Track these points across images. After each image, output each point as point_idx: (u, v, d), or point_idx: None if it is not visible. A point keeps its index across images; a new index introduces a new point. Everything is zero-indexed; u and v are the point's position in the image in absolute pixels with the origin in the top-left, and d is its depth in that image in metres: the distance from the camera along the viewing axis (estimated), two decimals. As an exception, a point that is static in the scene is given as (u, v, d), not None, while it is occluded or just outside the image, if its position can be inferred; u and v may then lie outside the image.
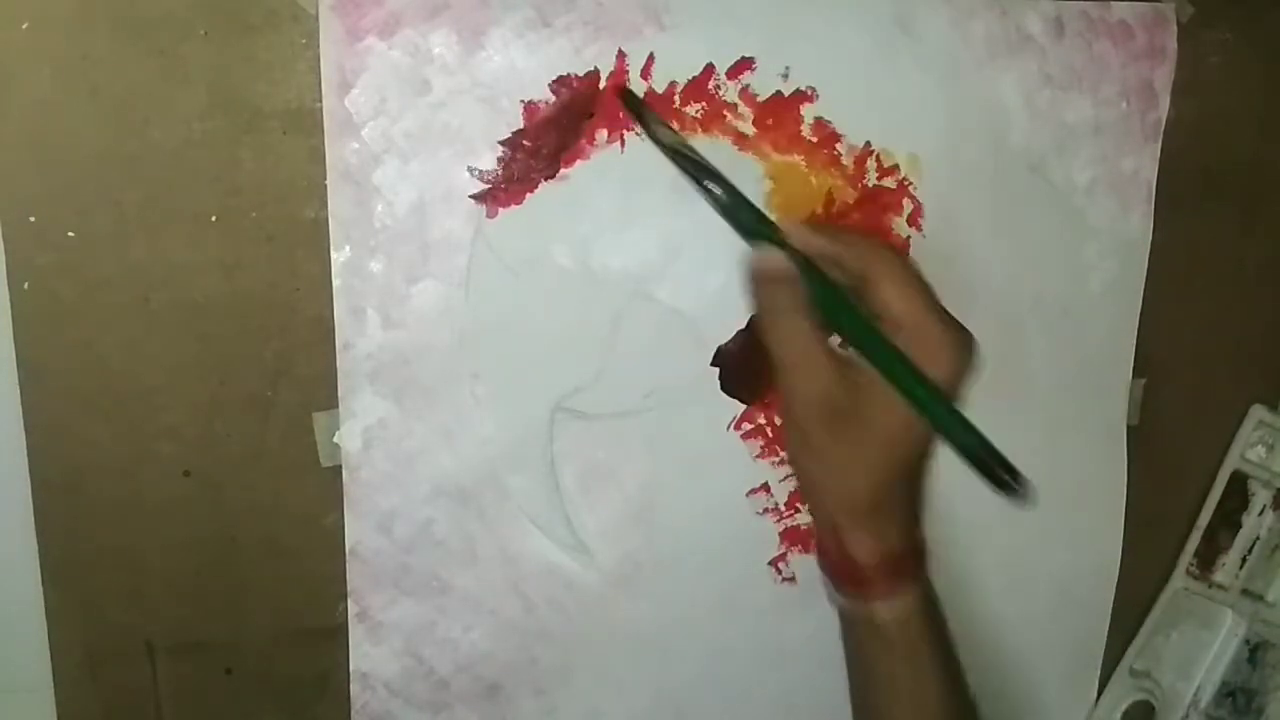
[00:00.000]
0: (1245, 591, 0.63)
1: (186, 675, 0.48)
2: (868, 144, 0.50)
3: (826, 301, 0.42)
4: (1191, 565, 0.62)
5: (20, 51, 0.41)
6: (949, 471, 0.54)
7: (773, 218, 0.44)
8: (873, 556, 0.42)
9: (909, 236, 0.52)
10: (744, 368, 0.50)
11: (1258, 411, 0.61)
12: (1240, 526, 0.63)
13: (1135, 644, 0.62)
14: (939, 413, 0.40)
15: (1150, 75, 0.54)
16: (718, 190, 0.44)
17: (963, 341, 0.41)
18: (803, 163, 0.49)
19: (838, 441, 0.42)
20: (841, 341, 0.43)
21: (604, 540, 0.50)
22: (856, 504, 0.42)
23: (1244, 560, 0.63)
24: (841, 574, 0.44)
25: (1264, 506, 0.63)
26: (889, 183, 0.51)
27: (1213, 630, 0.64)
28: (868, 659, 0.44)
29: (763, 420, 0.51)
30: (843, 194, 0.50)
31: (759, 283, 0.43)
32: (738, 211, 0.44)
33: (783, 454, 0.52)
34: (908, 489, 0.44)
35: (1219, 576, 0.63)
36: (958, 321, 0.41)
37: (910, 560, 0.44)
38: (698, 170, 0.44)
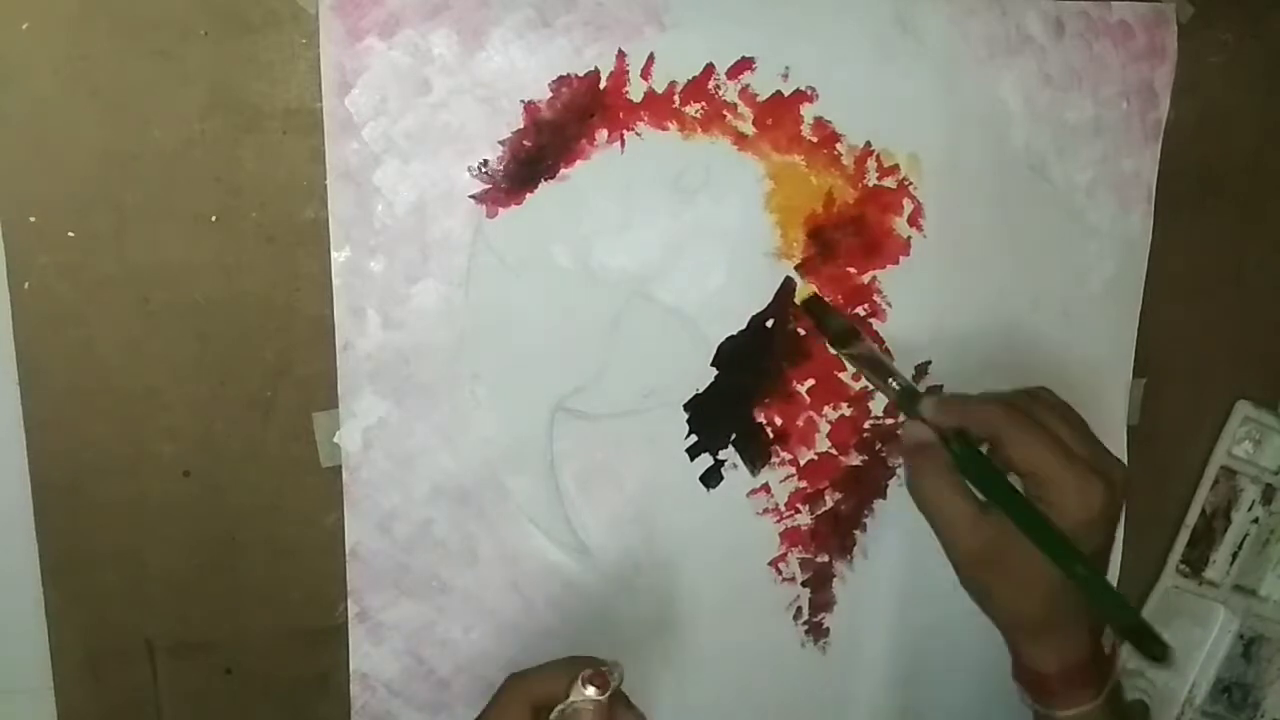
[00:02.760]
0: (1237, 587, 0.63)
1: (186, 675, 0.48)
2: (868, 144, 0.50)
3: (964, 464, 0.44)
4: (1181, 564, 0.62)
5: (20, 51, 0.41)
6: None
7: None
8: (1051, 667, 0.45)
9: (909, 237, 0.52)
10: (745, 367, 0.50)
11: (1243, 407, 0.61)
12: (1230, 523, 0.63)
13: (1127, 644, 0.62)
14: (1070, 568, 0.42)
15: (1150, 75, 0.54)
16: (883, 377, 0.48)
17: (1099, 489, 0.42)
18: (803, 163, 0.49)
19: (997, 581, 0.45)
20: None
21: (604, 540, 0.50)
22: (1023, 627, 0.46)
23: (1234, 556, 0.63)
24: (1025, 683, 0.47)
25: (1253, 502, 0.63)
26: (889, 183, 0.51)
27: (1205, 627, 0.64)
28: None
29: (762, 420, 0.51)
30: (843, 194, 0.50)
31: (906, 452, 0.47)
32: (901, 393, 0.47)
33: (783, 454, 0.52)
34: (1078, 603, 0.45)
35: (1210, 573, 0.63)
36: (1101, 466, 0.43)
37: (1091, 670, 0.45)
38: (872, 365, 0.49)
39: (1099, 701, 0.45)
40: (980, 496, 0.44)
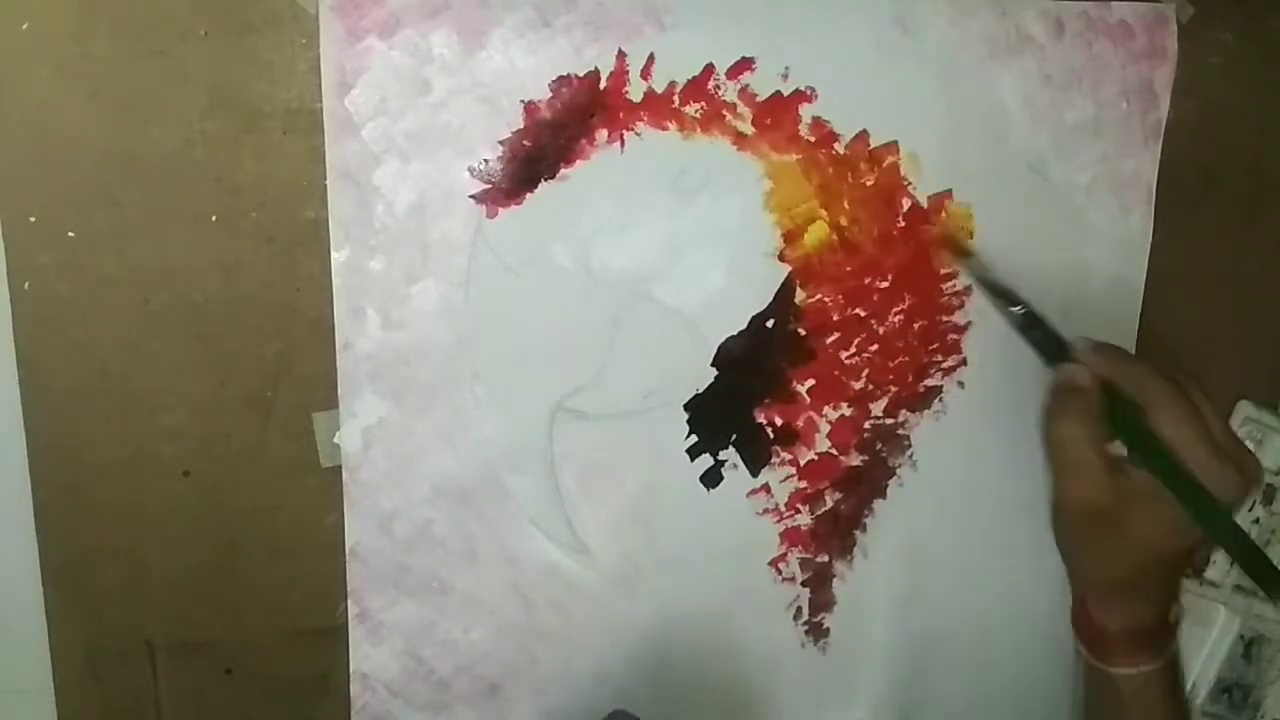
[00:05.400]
0: (1238, 588, 0.63)
1: (186, 675, 0.48)
2: (867, 144, 0.50)
3: (1118, 416, 0.44)
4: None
5: (20, 51, 0.41)
6: (951, 472, 0.55)
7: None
8: (1114, 625, 0.46)
9: (909, 236, 0.52)
10: (745, 367, 0.50)
11: (1244, 408, 0.61)
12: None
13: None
14: (1222, 534, 0.43)
15: (1150, 75, 0.54)
16: (1022, 313, 0.48)
17: (1235, 480, 0.42)
18: (802, 162, 0.49)
19: (1098, 537, 0.44)
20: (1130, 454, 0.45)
21: (604, 540, 0.50)
22: (1108, 587, 0.46)
23: (1235, 557, 0.63)
24: (1083, 634, 0.48)
25: (1254, 502, 0.62)
26: (888, 182, 0.51)
27: (1206, 628, 0.64)
28: (1102, 715, 0.47)
29: (762, 420, 0.51)
30: (842, 194, 0.50)
31: (1059, 390, 0.45)
32: (1040, 335, 0.47)
33: (783, 454, 0.52)
34: (1164, 575, 0.46)
35: (1211, 574, 0.63)
36: (1234, 452, 0.43)
37: (1156, 634, 0.46)
38: (1005, 295, 0.49)
39: (1156, 666, 0.46)
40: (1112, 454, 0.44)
